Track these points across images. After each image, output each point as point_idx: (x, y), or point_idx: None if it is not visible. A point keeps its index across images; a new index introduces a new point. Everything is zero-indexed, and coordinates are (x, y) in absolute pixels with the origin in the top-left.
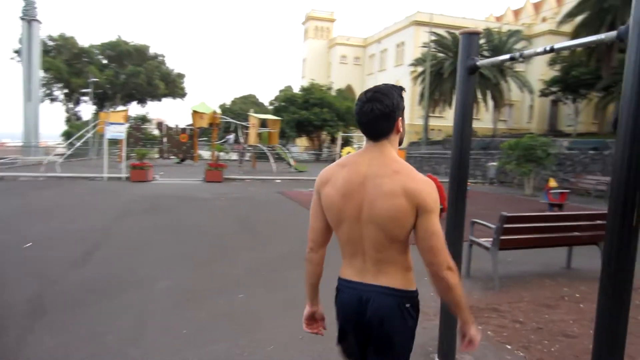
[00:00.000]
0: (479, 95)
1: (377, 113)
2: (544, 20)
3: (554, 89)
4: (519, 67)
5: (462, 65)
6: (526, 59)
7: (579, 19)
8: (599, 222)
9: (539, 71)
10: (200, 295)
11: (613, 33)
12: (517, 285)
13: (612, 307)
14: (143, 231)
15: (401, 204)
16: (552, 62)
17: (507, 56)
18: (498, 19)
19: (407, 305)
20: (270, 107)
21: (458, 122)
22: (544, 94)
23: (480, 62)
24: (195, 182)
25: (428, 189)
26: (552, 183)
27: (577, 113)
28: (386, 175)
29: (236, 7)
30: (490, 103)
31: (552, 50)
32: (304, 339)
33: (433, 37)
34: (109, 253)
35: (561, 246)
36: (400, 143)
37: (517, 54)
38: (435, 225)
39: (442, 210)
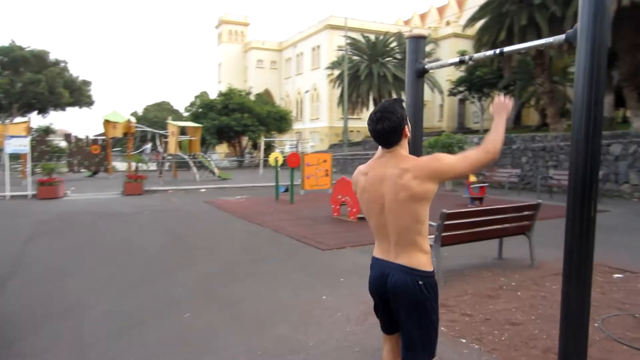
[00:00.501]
0: (394, 97)
1: (387, 129)
2: (447, 24)
3: (460, 88)
4: None
5: (410, 68)
6: (475, 61)
7: (481, 22)
8: (526, 213)
9: (447, 72)
10: (142, 319)
11: (561, 36)
12: (459, 280)
13: (576, 292)
14: (61, 254)
15: (413, 192)
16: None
17: (456, 59)
18: (406, 22)
19: (420, 282)
20: (187, 114)
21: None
22: (452, 93)
23: (429, 65)
24: (112, 196)
25: (425, 159)
26: (472, 178)
27: (483, 111)
28: (398, 174)
29: (143, 12)
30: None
31: (501, 53)
32: (263, 355)
33: (348, 41)
34: (25, 282)
35: (495, 238)
36: (408, 142)
37: (466, 57)
38: (451, 158)
39: None
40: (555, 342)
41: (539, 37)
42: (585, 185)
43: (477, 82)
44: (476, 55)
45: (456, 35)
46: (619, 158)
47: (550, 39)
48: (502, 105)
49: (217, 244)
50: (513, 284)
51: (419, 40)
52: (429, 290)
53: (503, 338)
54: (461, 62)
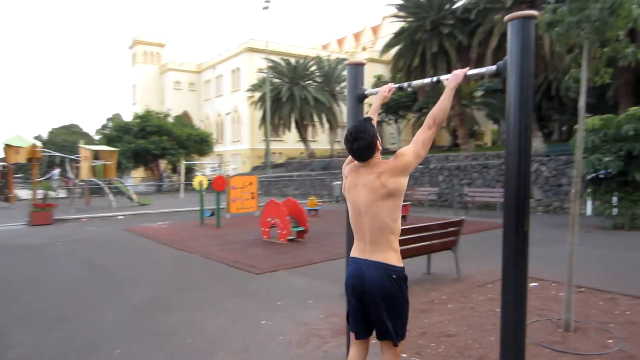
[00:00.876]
0: (316, 118)
1: (362, 147)
2: (364, 49)
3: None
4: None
5: (351, 94)
6: (414, 88)
7: (396, 49)
8: (451, 229)
9: None
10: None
11: (492, 67)
12: None
13: (514, 303)
14: None
15: (389, 189)
16: (375, 86)
17: (395, 86)
18: (324, 47)
19: (394, 276)
20: (99, 137)
21: None
22: None
23: (368, 91)
24: (17, 226)
25: (392, 161)
26: None
27: (400, 132)
28: (375, 177)
29: (44, 29)
30: (326, 125)
31: (438, 81)
32: None
33: (269, 64)
34: None
35: (424, 254)
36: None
37: (405, 84)
38: (409, 149)
39: (304, 231)
40: (488, 350)
41: (449, 63)
42: (519, 203)
43: (393, 104)
44: (414, 83)
45: (372, 60)
46: None
47: (483, 69)
48: (456, 75)
49: (142, 273)
50: (443, 297)
51: (358, 67)
52: (401, 283)
53: (440, 350)
54: (400, 88)
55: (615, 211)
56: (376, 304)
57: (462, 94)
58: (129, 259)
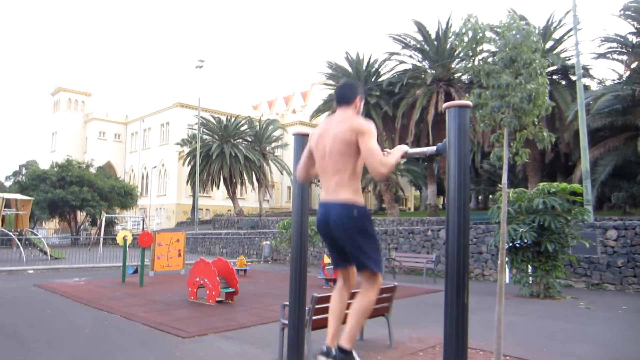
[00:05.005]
0: (246, 177)
1: (343, 89)
2: (293, 112)
3: None
4: (278, 151)
5: (297, 162)
6: None
7: (325, 114)
8: (384, 295)
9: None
10: None
11: (433, 148)
12: None
13: None
14: None
15: (347, 140)
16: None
17: None
18: (255, 107)
19: (355, 211)
20: (10, 184)
21: (296, 213)
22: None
23: None
24: None
25: (362, 120)
26: (327, 259)
27: None
28: (343, 128)
29: None
30: (256, 184)
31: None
32: None
33: (200, 120)
34: None
35: None
36: (358, 113)
37: None
38: (372, 144)
39: (234, 292)
40: None
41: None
42: (459, 275)
43: None
44: None
45: (302, 123)
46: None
47: (425, 149)
48: (401, 149)
49: (56, 335)
50: None
51: (304, 137)
52: (363, 216)
53: None
54: None
55: (531, 280)
56: (344, 239)
57: None
58: (40, 319)
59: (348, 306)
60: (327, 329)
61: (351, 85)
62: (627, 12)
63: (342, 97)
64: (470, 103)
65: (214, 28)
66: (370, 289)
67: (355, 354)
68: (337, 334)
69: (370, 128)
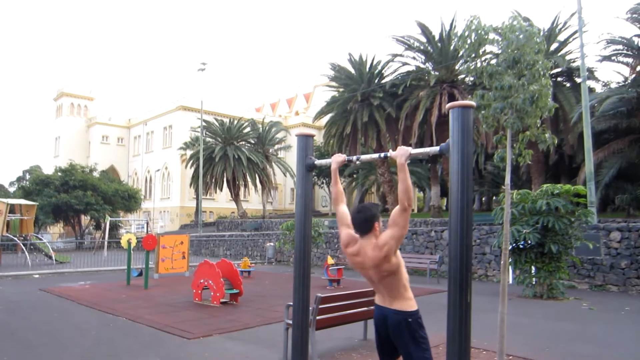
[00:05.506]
0: (249, 179)
1: (362, 219)
2: (297, 114)
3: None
4: (281, 153)
5: (300, 163)
6: (362, 162)
7: (328, 116)
8: None
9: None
10: None
11: (436, 148)
12: None
13: None
14: None
15: (379, 257)
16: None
17: (346, 158)
18: (258, 109)
19: (410, 319)
20: (15, 190)
21: (300, 214)
22: None
23: (318, 162)
24: None
25: (383, 236)
26: (330, 260)
27: (331, 196)
28: (370, 250)
29: None
30: (259, 186)
31: (385, 157)
32: None
33: (204, 124)
34: None
35: (361, 321)
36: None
37: (354, 158)
38: (389, 234)
39: (238, 294)
40: None
41: (379, 133)
42: (462, 275)
43: (325, 169)
44: (363, 157)
45: (305, 125)
46: None
47: (428, 149)
48: (404, 150)
49: (62, 338)
50: None
51: (308, 138)
52: (415, 324)
53: None
54: (349, 161)
55: (534, 280)
56: (400, 341)
57: (391, 162)
58: (47, 323)
59: None
60: None
61: (369, 211)
62: (634, 15)
63: (363, 229)
64: (473, 103)
65: (216, 31)
66: None
67: None
68: None
69: (387, 235)
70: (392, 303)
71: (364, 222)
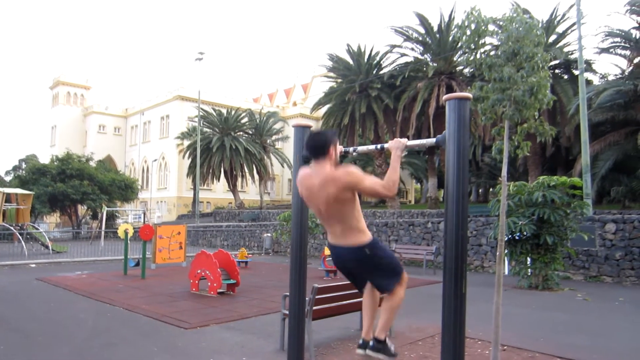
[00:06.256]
0: (246, 170)
1: (314, 145)
2: (294, 104)
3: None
4: (279, 144)
5: (297, 154)
6: (359, 153)
7: (327, 107)
8: None
9: None
10: None
11: (432, 140)
12: (329, 353)
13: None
14: None
15: (340, 197)
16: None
17: (343, 149)
18: (255, 100)
19: (366, 250)
20: (11, 179)
21: (296, 205)
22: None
23: None
24: None
25: (344, 172)
26: (327, 251)
27: None
28: (331, 189)
29: None
30: (256, 177)
31: (382, 149)
32: None
33: (201, 113)
34: None
35: (358, 311)
36: (335, 164)
37: (350, 149)
38: (368, 183)
39: (235, 284)
40: None
41: (377, 124)
42: (457, 266)
43: None
44: (360, 148)
45: (302, 116)
46: None
47: (424, 141)
48: (400, 142)
49: (59, 327)
50: None
51: (304, 129)
52: (374, 250)
53: None
54: (346, 152)
55: (529, 271)
56: (363, 271)
57: (387, 153)
58: (43, 312)
59: (380, 301)
60: (362, 325)
61: (322, 136)
62: (632, 7)
63: (315, 150)
64: (470, 95)
65: (214, 20)
66: (398, 291)
67: (388, 342)
68: (371, 328)
69: (353, 173)
70: (346, 239)
71: (319, 145)
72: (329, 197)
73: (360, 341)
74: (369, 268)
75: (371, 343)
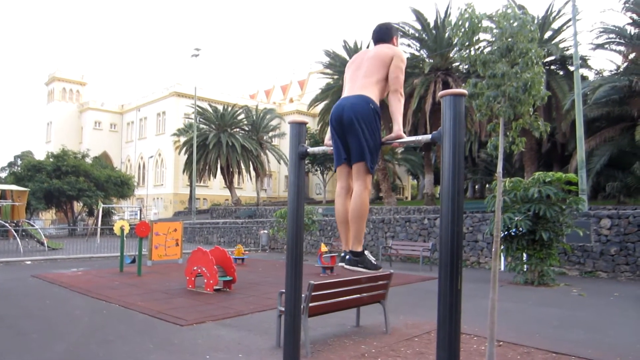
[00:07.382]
0: (243, 166)
1: (383, 28)
2: (291, 101)
3: (305, 161)
4: (275, 141)
5: (293, 151)
6: None
7: (323, 103)
8: (380, 282)
9: None
10: None
11: (428, 136)
12: (324, 349)
13: (449, 357)
14: None
15: (383, 58)
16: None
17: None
18: (252, 96)
19: (371, 105)
20: (6, 175)
21: (292, 202)
22: None
23: (311, 149)
24: None
25: (402, 53)
26: (324, 248)
27: (325, 183)
28: (383, 49)
29: None
30: (253, 173)
31: (382, 143)
32: None
33: (197, 109)
34: None
35: (354, 307)
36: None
37: None
38: (401, 71)
39: (231, 281)
40: None
41: None
42: (453, 262)
43: (320, 156)
44: None
45: (299, 112)
46: None
47: (420, 137)
48: (398, 134)
49: (54, 324)
50: (373, 351)
51: (300, 126)
52: (375, 112)
53: None
54: None
55: (525, 267)
56: (353, 126)
57: (384, 149)
58: (38, 309)
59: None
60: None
61: (388, 27)
62: (627, 4)
63: (379, 38)
64: (465, 91)
65: (210, 16)
66: (362, 190)
67: (367, 253)
68: (350, 239)
69: (405, 61)
70: (360, 91)
71: (384, 31)
72: (377, 53)
73: (342, 254)
74: (361, 123)
75: (347, 257)
